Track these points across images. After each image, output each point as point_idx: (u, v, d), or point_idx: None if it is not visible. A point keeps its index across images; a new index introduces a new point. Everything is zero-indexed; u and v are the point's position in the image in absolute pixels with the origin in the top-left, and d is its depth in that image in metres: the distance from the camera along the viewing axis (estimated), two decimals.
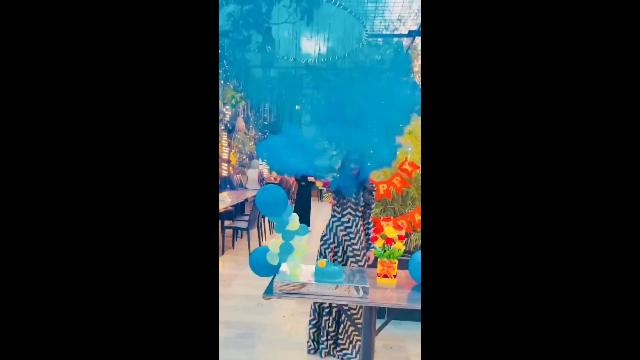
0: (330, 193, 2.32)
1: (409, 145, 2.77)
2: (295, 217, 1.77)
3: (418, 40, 5.18)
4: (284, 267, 1.77)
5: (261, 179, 6.70)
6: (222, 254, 4.57)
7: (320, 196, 8.67)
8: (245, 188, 6.59)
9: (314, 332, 2.41)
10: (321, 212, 6.35)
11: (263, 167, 7.11)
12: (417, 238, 2.82)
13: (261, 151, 2.04)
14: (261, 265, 1.81)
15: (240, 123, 6.04)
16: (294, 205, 5.37)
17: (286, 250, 1.75)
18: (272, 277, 1.77)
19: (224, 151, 6.38)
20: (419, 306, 1.68)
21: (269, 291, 1.66)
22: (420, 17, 4.60)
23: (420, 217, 2.59)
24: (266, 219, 5.56)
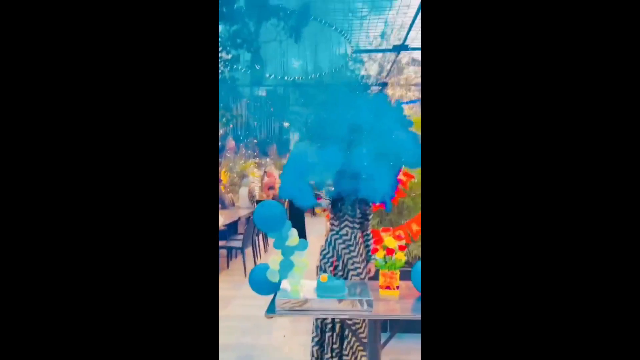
0: (327, 206, 2.30)
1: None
2: (294, 232, 1.74)
3: (402, 54, 5.30)
4: (284, 284, 1.73)
5: (252, 197, 6.65)
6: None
7: (312, 212, 8.62)
8: (238, 207, 6.52)
9: (317, 350, 2.34)
10: (315, 227, 6.31)
11: (254, 185, 7.06)
12: (415, 248, 2.81)
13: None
14: (261, 284, 1.76)
15: (230, 142, 6.03)
16: None
17: (286, 267, 1.71)
18: (273, 295, 1.73)
19: None
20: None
21: (271, 309, 1.62)
22: (403, 32, 4.72)
23: (418, 227, 2.59)
24: (260, 237, 5.48)
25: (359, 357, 2.30)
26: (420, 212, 2.70)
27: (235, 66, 2.86)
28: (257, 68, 3.15)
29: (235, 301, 3.62)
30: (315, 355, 2.34)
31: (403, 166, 2.38)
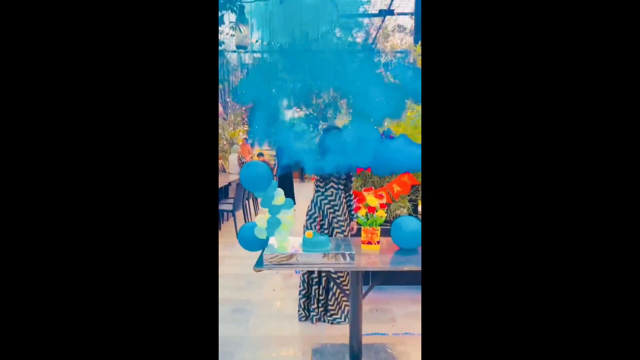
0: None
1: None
2: (280, 191, 1.75)
3: (388, 19, 5.14)
4: (272, 241, 1.76)
5: (241, 163, 6.61)
6: None
7: (301, 177, 8.65)
8: (228, 172, 6.49)
9: (304, 302, 2.44)
10: (303, 192, 6.35)
11: (242, 151, 6.99)
12: (396, 208, 2.87)
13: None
14: (250, 240, 1.79)
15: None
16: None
17: (273, 224, 1.73)
18: (261, 251, 1.76)
19: None
20: (401, 268, 1.72)
21: (259, 264, 1.65)
22: None
23: (398, 188, 2.63)
24: (251, 200, 5.51)
25: (342, 307, 2.41)
26: (401, 174, 2.72)
27: (219, 28, 2.73)
28: (242, 31, 3.01)
29: (228, 260, 3.69)
30: (303, 306, 2.44)
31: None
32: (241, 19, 2.37)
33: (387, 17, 4.72)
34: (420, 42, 3.28)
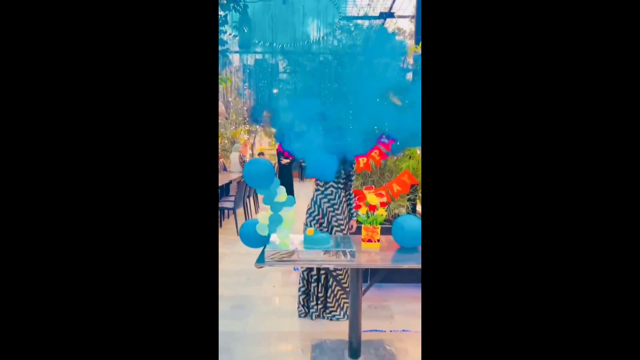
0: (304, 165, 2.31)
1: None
2: (282, 189, 1.74)
3: (388, 21, 5.13)
4: (273, 238, 1.75)
5: (242, 162, 6.59)
6: None
7: (301, 177, 8.63)
8: (229, 171, 6.47)
9: (303, 299, 2.43)
10: (303, 191, 6.34)
11: (243, 150, 6.98)
12: (395, 207, 2.86)
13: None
14: (251, 237, 1.78)
15: (220, 107, 5.87)
16: None
17: (275, 221, 1.72)
18: (262, 247, 1.75)
19: None
20: (402, 266, 1.71)
21: (260, 260, 1.64)
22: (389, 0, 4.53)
23: (398, 188, 2.62)
24: (251, 198, 5.49)
25: (342, 304, 2.40)
26: (400, 173, 2.72)
27: (222, 28, 2.71)
28: (245, 31, 2.99)
29: (228, 258, 3.67)
30: (302, 302, 2.43)
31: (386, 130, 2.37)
32: (244, 19, 2.36)
33: (388, 19, 4.71)
34: (420, 43, 3.27)
